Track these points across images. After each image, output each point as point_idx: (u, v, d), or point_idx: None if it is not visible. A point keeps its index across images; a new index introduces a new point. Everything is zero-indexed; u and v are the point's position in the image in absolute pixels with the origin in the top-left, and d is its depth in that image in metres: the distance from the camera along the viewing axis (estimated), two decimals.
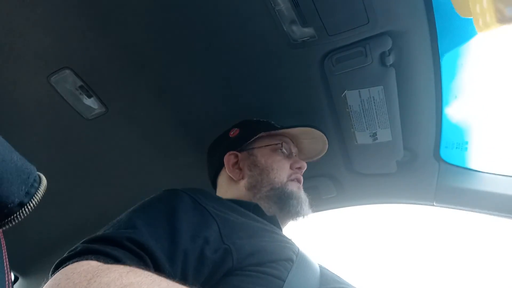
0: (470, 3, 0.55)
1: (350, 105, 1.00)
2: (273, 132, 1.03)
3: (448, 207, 1.20)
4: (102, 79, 0.98)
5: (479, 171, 1.13)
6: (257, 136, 1.02)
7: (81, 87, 0.98)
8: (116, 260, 0.55)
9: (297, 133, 1.05)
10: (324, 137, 1.06)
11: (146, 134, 1.16)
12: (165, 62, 0.96)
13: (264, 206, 0.93)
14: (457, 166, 1.16)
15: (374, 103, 0.98)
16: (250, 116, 1.10)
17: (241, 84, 1.04)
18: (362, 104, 0.99)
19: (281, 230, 0.90)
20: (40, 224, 1.32)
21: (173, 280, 0.52)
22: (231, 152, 1.02)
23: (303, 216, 0.96)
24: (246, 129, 1.05)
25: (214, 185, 1.07)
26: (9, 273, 0.41)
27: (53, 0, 0.80)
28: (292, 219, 0.97)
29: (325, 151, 1.12)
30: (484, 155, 1.12)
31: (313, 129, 1.03)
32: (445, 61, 0.93)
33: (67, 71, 0.93)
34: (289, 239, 0.84)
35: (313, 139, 1.08)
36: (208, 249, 0.65)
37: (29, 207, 0.40)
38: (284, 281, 0.66)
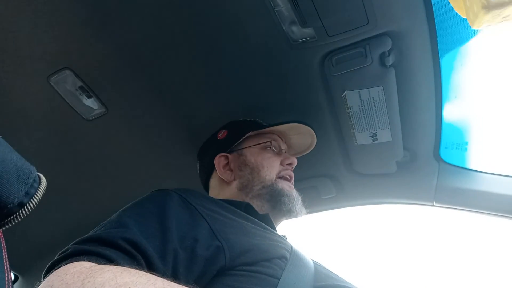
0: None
1: (350, 106, 1.00)
2: (261, 130, 1.04)
3: (448, 207, 1.20)
4: (102, 79, 0.98)
5: (479, 171, 1.13)
6: (245, 136, 1.02)
7: (81, 87, 0.98)
8: (109, 260, 0.55)
9: (284, 129, 1.06)
10: (312, 131, 1.06)
11: (146, 135, 1.16)
12: (165, 62, 0.96)
13: (257, 204, 0.94)
14: (457, 166, 1.16)
15: (374, 103, 0.98)
16: (250, 116, 1.10)
17: (241, 84, 1.04)
18: (362, 104, 0.99)
19: (275, 229, 0.90)
20: (40, 224, 1.32)
21: (167, 279, 0.52)
22: (221, 154, 1.02)
23: (296, 213, 0.95)
24: (234, 130, 1.05)
25: (206, 188, 1.07)
26: (9, 272, 0.41)
27: (53, 0, 0.80)
28: (285, 217, 0.97)
29: (314, 145, 1.12)
30: (484, 155, 1.12)
31: (300, 124, 1.04)
32: (444, 61, 0.93)
33: (67, 72, 0.93)
34: (282, 237, 0.84)
35: (301, 134, 1.08)
36: (199, 247, 0.65)
37: (29, 207, 0.40)
38: (279, 279, 0.66)
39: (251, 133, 1.02)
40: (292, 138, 1.10)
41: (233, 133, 1.04)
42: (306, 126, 1.04)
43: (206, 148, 1.09)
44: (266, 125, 1.05)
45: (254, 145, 1.02)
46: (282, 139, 1.08)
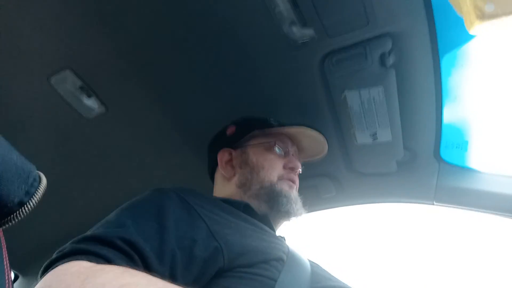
0: (460, 3, 0.56)
1: (350, 106, 1.00)
2: (268, 130, 1.02)
3: (448, 207, 1.20)
4: (102, 79, 0.98)
5: (479, 171, 1.13)
6: (250, 134, 1.01)
7: (81, 87, 0.98)
8: (106, 260, 0.54)
9: (293, 133, 1.04)
10: (322, 137, 1.04)
11: (146, 134, 1.16)
12: (165, 62, 0.97)
13: (255, 204, 0.92)
14: (457, 166, 1.15)
15: (374, 103, 0.98)
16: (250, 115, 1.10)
17: (241, 85, 1.04)
18: (362, 104, 0.99)
19: (274, 230, 0.89)
20: (40, 223, 1.32)
21: (167, 280, 0.51)
22: (225, 149, 1.01)
23: (295, 215, 0.93)
24: (241, 127, 1.04)
25: (213, 182, 1.07)
26: (9, 272, 0.41)
27: (53, 0, 0.80)
28: (284, 219, 0.95)
29: (326, 151, 1.10)
30: (484, 155, 1.12)
31: (310, 129, 1.02)
32: (445, 61, 0.93)
33: (67, 71, 0.94)
34: (280, 238, 0.83)
35: (311, 139, 1.06)
36: (197, 248, 0.64)
37: (29, 206, 0.41)
38: (276, 281, 0.66)
39: (256, 131, 1.00)
40: (302, 141, 1.07)
41: (240, 129, 1.03)
42: (316, 132, 1.02)
43: (214, 142, 1.09)
44: (276, 124, 1.03)
45: (258, 143, 1.00)
46: (292, 141, 1.06)
